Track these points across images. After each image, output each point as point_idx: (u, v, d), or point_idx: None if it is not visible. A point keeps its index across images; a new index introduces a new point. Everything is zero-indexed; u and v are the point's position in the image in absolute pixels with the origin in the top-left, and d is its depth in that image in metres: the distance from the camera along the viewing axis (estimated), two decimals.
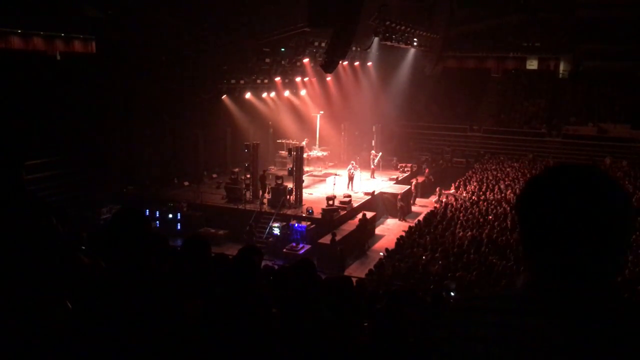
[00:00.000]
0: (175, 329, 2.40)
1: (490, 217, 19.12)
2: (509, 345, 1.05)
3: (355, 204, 20.70)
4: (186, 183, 23.09)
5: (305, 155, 22.92)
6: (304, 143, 23.95)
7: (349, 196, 20.90)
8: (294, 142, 24.21)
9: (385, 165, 27.34)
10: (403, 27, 28.21)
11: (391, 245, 17.17)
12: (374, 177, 25.58)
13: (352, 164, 23.45)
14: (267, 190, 20.77)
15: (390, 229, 21.14)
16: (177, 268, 3.27)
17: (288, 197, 20.32)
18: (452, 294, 11.28)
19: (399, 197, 22.42)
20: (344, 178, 23.57)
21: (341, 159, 28.40)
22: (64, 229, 2.47)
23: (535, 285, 1.09)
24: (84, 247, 3.21)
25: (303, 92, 28.66)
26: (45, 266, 1.87)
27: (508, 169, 27.81)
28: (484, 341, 1.08)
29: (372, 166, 25.84)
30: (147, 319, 2.32)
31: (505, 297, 1.14)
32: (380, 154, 26.36)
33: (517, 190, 22.68)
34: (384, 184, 24.71)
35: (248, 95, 25.36)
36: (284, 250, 17.19)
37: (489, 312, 1.11)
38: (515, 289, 1.14)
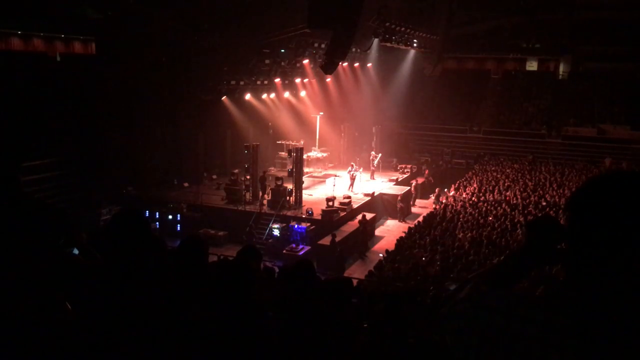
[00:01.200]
0: (173, 330, 2.40)
1: (490, 218, 19.11)
2: (520, 353, 1.03)
3: (355, 205, 20.70)
4: (186, 184, 23.08)
5: (305, 156, 22.93)
6: (301, 143, 23.97)
7: (349, 197, 20.90)
8: (293, 143, 24.22)
9: (385, 166, 27.34)
10: (403, 29, 28.22)
11: (391, 246, 17.15)
12: (373, 178, 25.58)
13: (352, 165, 23.44)
14: (267, 191, 20.77)
15: (390, 230, 21.13)
16: (175, 269, 3.27)
17: (288, 198, 20.32)
18: None
19: (399, 198, 22.42)
20: (343, 179, 23.56)
21: (341, 160, 28.39)
22: (64, 230, 2.47)
23: (562, 292, 1.08)
24: (83, 248, 3.21)
25: (303, 93, 28.66)
26: (44, 267, 1.87)
27: (508, 170, 27.81)
28: (493, 344, 1.06)
29: (372, 167, 25.83)
30: (146, 320, 2.32)
31: (524, 302, 1.12)
32: (380, 155, 26.36)
33: (517, 192, 22.78)
34: (384, 185, 24.70)
35: (248, 96, 25.36)
36: (284, 251, 17.17)
37: (502, 314, 1.09)
38: (534, 293, 1.12)
